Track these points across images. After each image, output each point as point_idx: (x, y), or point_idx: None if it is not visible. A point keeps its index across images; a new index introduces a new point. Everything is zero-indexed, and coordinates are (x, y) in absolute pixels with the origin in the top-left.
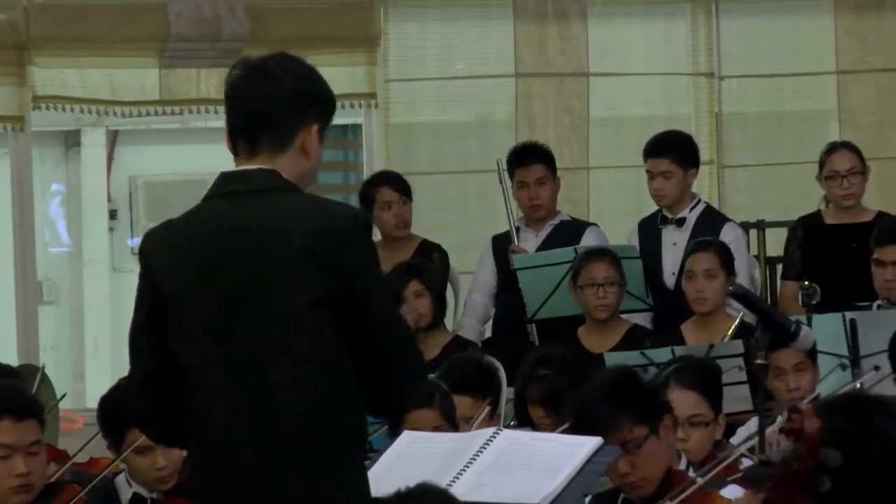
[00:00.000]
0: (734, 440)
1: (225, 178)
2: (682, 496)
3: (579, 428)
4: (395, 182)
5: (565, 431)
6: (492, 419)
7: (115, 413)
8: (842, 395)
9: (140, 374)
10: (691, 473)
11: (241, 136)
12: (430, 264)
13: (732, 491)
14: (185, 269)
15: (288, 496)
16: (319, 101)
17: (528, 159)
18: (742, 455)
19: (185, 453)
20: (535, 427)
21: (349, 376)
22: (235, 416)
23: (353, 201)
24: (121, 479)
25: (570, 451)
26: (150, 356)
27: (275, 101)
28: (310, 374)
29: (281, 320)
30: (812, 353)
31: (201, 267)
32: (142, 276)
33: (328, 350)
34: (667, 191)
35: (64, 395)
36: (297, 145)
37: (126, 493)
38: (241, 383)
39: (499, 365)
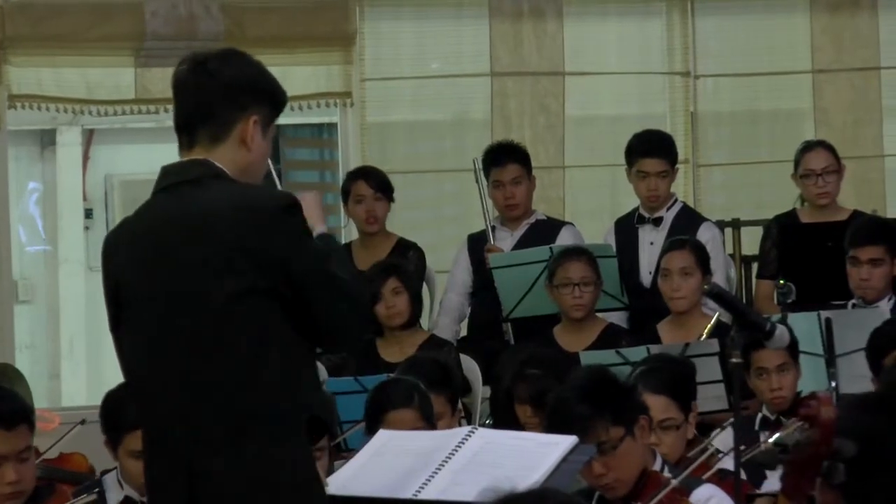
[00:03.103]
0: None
1: (164, 171)
2: (656, 498)
3: (555, 428)
4: (372, 178)
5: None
6: (452, 417)
7: (115, 412)
8: (869, 392)
9: (125, 374)
10: (666, 473)
11: (182, 129)
12: (407, 263)
13: (707, 491)
14: (131, 264)
15: (222, 478)
16: (258, 92)
17: (504, 159)
18: (718, 453)
19: None
20: (521, 426)
21: (287, 362)
22: (173, 405)
23: (330, 200)
24: (110, 479)
25: (545, 450)
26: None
27: (210, 93)
28: (245, 363)
29: (215, 310)
30: (794, 353)
31: (143, 260)
32: (104, 277)
33: (264, 337)
34: (661, 191)
35: None
36: (234, 136)
37: (116, 493)
38: (179, 374)
39: (471, 361)
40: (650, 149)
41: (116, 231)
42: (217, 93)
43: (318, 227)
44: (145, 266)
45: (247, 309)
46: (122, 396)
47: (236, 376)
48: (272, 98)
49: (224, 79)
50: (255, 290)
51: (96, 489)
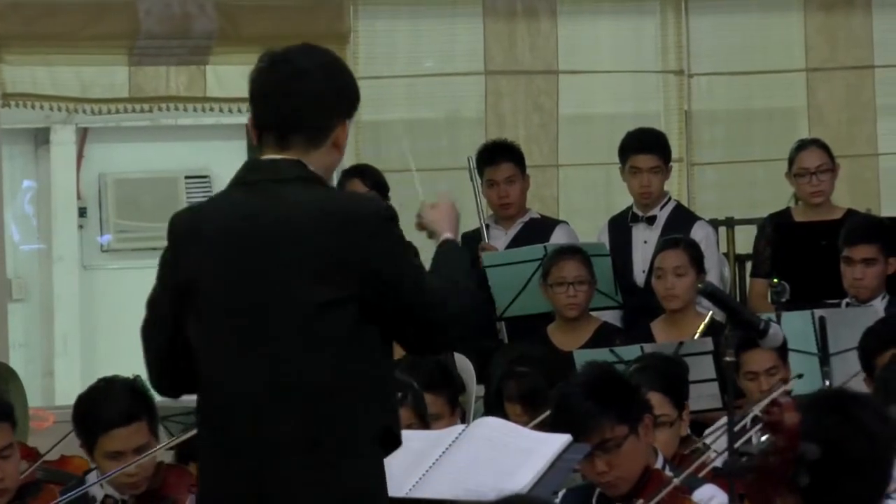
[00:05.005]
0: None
1: (251, 165)
2: (658, 497)
3: (559, 425)
4: (367, 176)
5: (543, 426)
6: (451, 417)
7: (88, 415)
8: (826, 391)
9: (157, 345)
10: (668, 472)
11: (272, 131)
12: None
13: (707, 491)
14: (210, 257)
15: (294, 485)
16: (349, 96)
17: (498, 157)
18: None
19: (157, 459)
20: None
21: (371, 374)
22: (255, 410)
23: None
24: (92, 477)
25: (540, 448)
26: (165, 329)
27: (310, 101)
28: (330, 373)
29: (305, 317)
30: (783, 354)
31: (229, 260)
32: (167, 253)
33: (350, 348)
34: (655, 187)
35: None
36: (330, 141)
37: (97, 492)
38: (263, 379)
39: (465, 360)
40: (642, 145)
41: (189, 219)
42: (318, 101)
43: (444, 234)
44: (233, 266)
45: (337, 318)
46: (93, 399)
47: (321, 386)
48: (354, 97)
49: (322, 85)
50: (346, 300)
51: (80, 487)
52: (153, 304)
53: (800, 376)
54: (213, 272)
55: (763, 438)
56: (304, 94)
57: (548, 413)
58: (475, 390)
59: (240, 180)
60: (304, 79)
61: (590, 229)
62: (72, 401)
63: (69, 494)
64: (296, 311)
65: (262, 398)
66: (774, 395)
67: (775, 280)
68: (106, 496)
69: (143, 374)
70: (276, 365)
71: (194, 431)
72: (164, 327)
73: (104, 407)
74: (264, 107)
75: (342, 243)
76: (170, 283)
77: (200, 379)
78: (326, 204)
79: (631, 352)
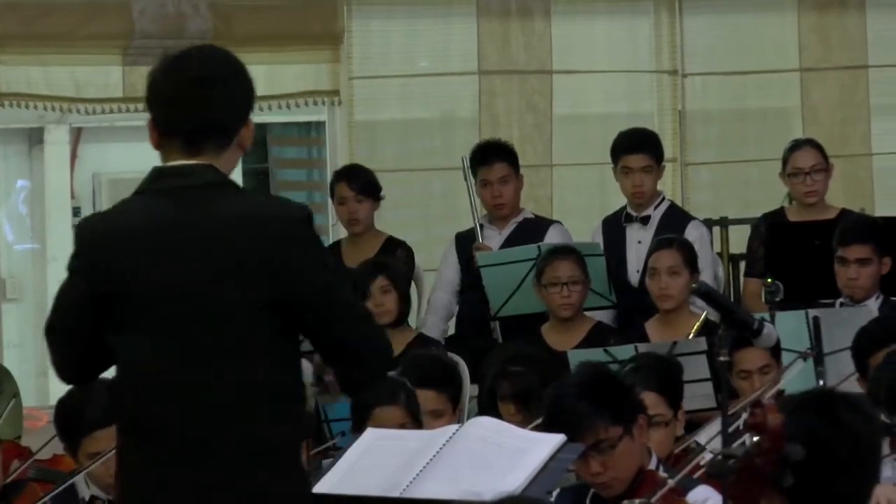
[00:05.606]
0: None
1: (161, 172)
2: (653, 499)
3: (553, 426)
4: (353, 179)
5: (537, 428)
6: (453, 415)
7: (70, 417)
8: (810, 392)
9: (71, 353)
10: (662, 472)
11: (180, 136)
12: (396, 261)
13: (702, 492)
14: (130, 264)
15: (221, 492)
16: (252, 95)
17: (491, 157)
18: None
19: None
20: None
21: (287, 376)
22: (186, 414)
23: (317, 198)
24: (80, 477)
25: (533, 448)
26: (81, 336)
27: (223, 105)
28: (256, 374)
29: (220, 320)
30: (776, 354)
31: (148, 263)
32: (77, 260)
33: (269, 350)
34: (647, 186)
35: None
36: (235, 143)
37: (84, 491)
38: (185, 380)
39: (458, 360)
40: (633, 145)
41: (101, 226)
42: (231, 105)
43: None
44: (155, 272)
45: (257, 322)
46: (74, 401)
47: (246, 390)
48: (254, 96)
49: (229, 88)
50: (267, 303)
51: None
52: (63, 312)
53: (811, 350)
54: (135, 279)
55: (754, 440)
56: (216, 98)
57: (541, 419)
58: (469, 390)
59: (150, 187)
60: (215, 83)
61: (584, 229)
62: None
63: (52, 492)
64: (217, 315)
65: (185, 404)
66: (756, 394)
67: (769, 280)
68: (93, 497)
69: None
70: (199, 369)
71: None
72: (79, 335)
73: (86, 409)
74: (174, 111)
75: (261, 247)
76: (84, 290)
77: (123, 384)
78: (244, 209)
79: (625, 352)
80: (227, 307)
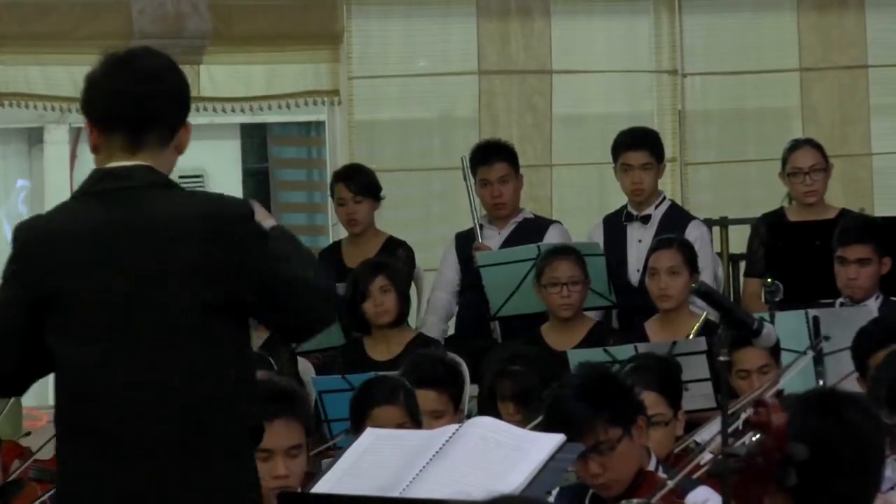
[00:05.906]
0: (698, 439)
1: (100, 174)
2: (653, 500)
3: (552, 426)
4: (351, 180)
5: (537, 428)
6: (454, 415)
7: None
8: (814, 391)
9: (9, 356)
10: (661, 473)
11: (122, 133)
12: (396, 261)
13: (702, 493)
14: (72, 266)
15: (170, 485)
16: (189, 98)
17: (491, 157)
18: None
19: None
20: None
21: (238, 373)
22: (127, 412)
23: (317, 198)
24: None
25: (533, 448)
26: (19, 340)
27: (165, 101)
28: (200, 374)
29: (174, 319)
30: (776, 354)
31: (93, 266)
32: (14, 263)
33: (219, 348)
34: (646, 183)
35: None
36: (173, 144)
37: None
38: (134, 382)
39: (460, 360)
40: (633, 142)
41: (41, 229)
42: (172, 102)
43: (267, 222)
44: (99, 274)
45: (202, 319)
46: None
47: (190, 386)
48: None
49: (173, 86)
50: (212, 300)
51: None
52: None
53: (826, 338)
54: (78, 281)
55: (754, 438)
56: (158, 94)
57: (541, 418)
58: (469, 390)
59: (89, 190)
60: (157, 80)
61: (583, 229)
62: None
63: (50, 491)
64: (163, 314)
65: (131, 401)
66: (757, 392)
67: (769, 280)
68: None
69: None
70: (144, 367)
71: None
72: (17, 338)
73: None
74: (119, 104)
75: (206, 245)
76: (24, 293)
77: (65, 389)
78: (187, 208)
79: (624, 351)
80: (169, 307)
